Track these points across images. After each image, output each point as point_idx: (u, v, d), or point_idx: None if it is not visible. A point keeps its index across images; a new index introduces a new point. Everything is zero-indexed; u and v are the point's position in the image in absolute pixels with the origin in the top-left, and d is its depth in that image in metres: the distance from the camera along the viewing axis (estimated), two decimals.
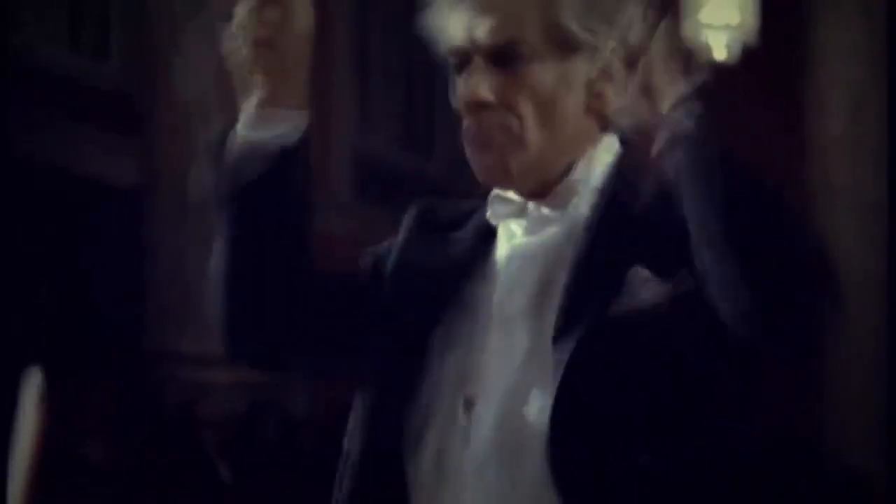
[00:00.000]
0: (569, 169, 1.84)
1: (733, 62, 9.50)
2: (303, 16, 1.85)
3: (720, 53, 9.39)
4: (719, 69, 9.80)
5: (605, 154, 1.86)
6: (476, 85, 1.81)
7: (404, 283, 1.86)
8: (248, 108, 1.86)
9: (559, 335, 1.73)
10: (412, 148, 10.95)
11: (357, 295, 1.89)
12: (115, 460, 7.68)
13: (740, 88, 10.42)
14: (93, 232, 8.29)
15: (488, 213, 1.86)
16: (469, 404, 1.77)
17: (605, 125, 1.85)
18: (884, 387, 10.33)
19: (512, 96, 1.81)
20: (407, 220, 1.94)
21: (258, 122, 1.85)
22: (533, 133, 1.81)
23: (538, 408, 1.72)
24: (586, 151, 1.85)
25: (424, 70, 10.26)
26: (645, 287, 1.73)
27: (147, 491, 7.41)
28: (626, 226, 1.76)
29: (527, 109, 1.81)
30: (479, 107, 1.82)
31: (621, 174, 1.83)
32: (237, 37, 1.85)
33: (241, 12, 1.85)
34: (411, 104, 11.02)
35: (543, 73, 1.81)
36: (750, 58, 9.62)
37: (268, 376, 5.75)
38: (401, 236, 1.93)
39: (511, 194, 1.85)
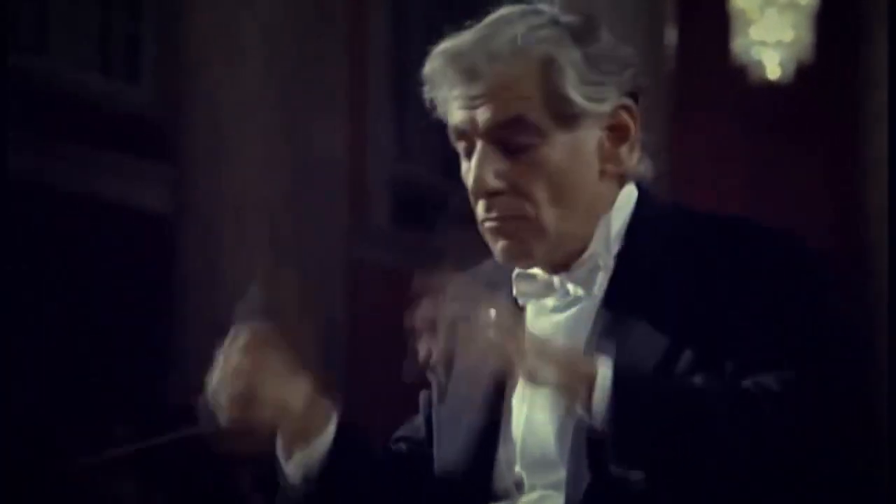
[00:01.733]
0: (590, 235, 1.80)
1: (787, 81, 9.30)
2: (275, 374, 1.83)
3: (773, 72, 9.20)
4: (772, 88, 9.61)
5: (622, 210, 1.82)
6: (484, 173, 1.78)
7: (453, 403, 1.89)
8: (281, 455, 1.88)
9: (573, 451, 1.73)
10: (451, 174, 10.79)
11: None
12: (147, 497, 7.57)
13: (794, 108, 10.23)
14: (121, 261, 8.16)
15: (514, 292, 1.82)
16: (519, 486, 1.79)
17: (622, 181, 1.82)
18: (884, 388, 10.08)
19: (523, 181, 1.77)
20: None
21: (296, 464, 1.88)
22: (549, 215, 1.78)
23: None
24: (606, 211, 1.81)
25: None
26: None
27: None
28: (638, 310, 1.73)
29: (540, 192, 1.78)
30: (489, 195, 1.77)
31: (639, 229, 1.80)
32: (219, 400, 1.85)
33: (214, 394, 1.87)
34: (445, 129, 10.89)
35: (551, 151, 1.77)
36: (804, 76, 9.42)
37: None
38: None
39: (535, 270, 1.82)
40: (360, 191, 9.45)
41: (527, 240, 1.78)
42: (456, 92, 1.79)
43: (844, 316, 1.73)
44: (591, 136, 1.78)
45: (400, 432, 1.98)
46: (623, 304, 1.75)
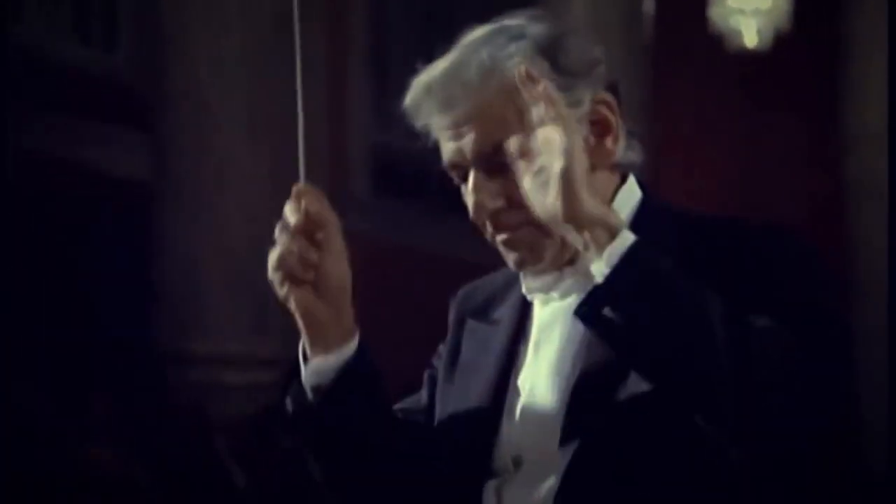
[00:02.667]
0: None
1: (765, 49, 9.31)
2: (337, 257, 1.84)
3: (751, 40, 9.20)
4: (750, 56, 9.62)
5: (625, 207, 1.85)
6: (482, 199, 1.81)
7: (462, 370, 1.91)
8: (304, 362, 1.87)
9: (569, 414, 1.77)
10: (430, 144, 10.77)
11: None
12: (125, 464, 7.57)
13: (772, 76, 10.24)
14: (101, 229, 8.15)
15: (524, 289, 1.86)
16: (517, 463, 1.81)
17: (621, 172, 1.85)
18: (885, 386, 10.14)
19: (519, 193, 1.79)
20: (451, 314, 1.98)
21: (320, 369, 1.87)
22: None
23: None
24: (607, 204, 1.83)
25: None
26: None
27: (158, 495, 7.30)
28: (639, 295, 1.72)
29: None
30: (492, 215, 1.81)
31: (643, 223, 1.81)
32: (274, 280, 1.84)
33: (273, 256, 1.84)
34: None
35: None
36: (782, 45, 9.42)
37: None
38: (449, 336, 1.97)
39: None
40: (339, 160, 9.44)
41: (537, 246, 1.82)
42: (439, 123, 1.84)
43: (841, 316, 1.76)
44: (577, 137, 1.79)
45: (400, 405, 1.99)
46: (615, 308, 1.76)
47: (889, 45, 8.72)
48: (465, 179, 1.85)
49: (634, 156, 1.85)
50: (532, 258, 1.82)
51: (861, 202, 10.23)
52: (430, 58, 1.85)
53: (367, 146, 10.19)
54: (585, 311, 1.68)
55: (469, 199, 1.82)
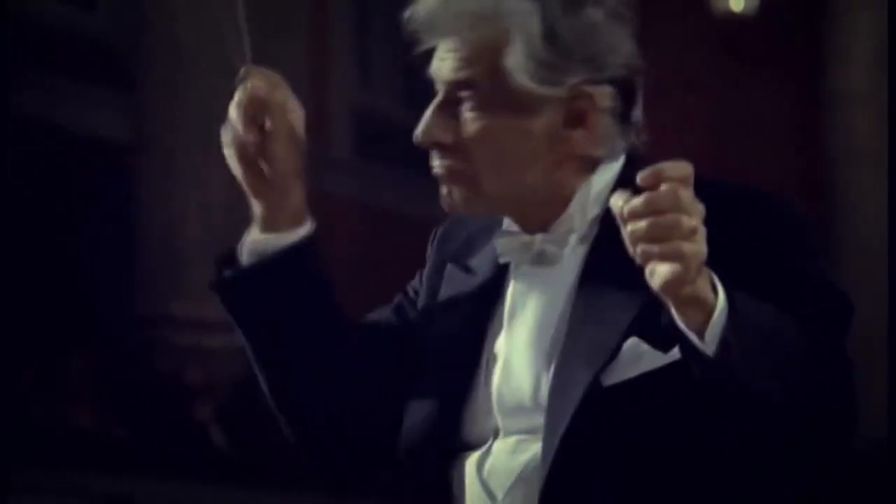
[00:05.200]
0: (569, 199, 1.81)
1: (750, 12, 9.28)
2: (289, 127, 1.85)
3: (737, 4, 9.18)
4: (736, 19, 9.59)
5: (605, 173, 1.82)
6: (432, 123, 1.81)
7: (437, 327, 1.89)
8: (249, 232, 1.88)
9: (553, 398, 1.75)
10: (413, 105, 10.76)
11: (396, 338, 1.93)
12: (104, 427, 7.56)
13: (757, 40, 10.22)
14: (81, 190, 8.11)
15: (497, 250, 1.84)
16: (496, 433, 1.81)
17: (594, 159, 1.82)
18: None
19: (467, 142, 1.79)
20: (431, 251, 1.95)
21: (259, 245, 1.86)
22: (490, 180, 1.80)
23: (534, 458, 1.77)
24: (583, 180, 1.81)
25: None
26: (642, 360, 1.72)
27: (138, 458, 7.30)
28: (617, 274, 1.71)
29: (481, 157, 1.80)
30: (434, 145, 1.81)
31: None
32: (226, 153, 1.85)
33: (225, 132, 1.85)
34: (412, 60, 10.85)
35: (497, 126, 1.78)
36: (767, 8, 9.40)
37: None
38: (428, 272, 1.94)
39: (515, 228, 1.84)
40: (322, 122, 9.40)
41: (465, 195, 1.81)
42: (429, 41, 1.82)
43: (832, 283, 1.75)
44: (541, 116, 1.78)
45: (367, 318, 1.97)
46: (602, 265, 1.77)
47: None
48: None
49: (621, 146, 1.81)
50: (454, 205, 1.82)
51: (843, 165, 10.23)
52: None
53: (350, 107, 10.15)
54: (698, 377, 1.63)
55: (422, 119, 1.81)
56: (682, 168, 1.56)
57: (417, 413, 1.84)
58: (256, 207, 1.85)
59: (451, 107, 1.80)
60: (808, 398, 1.64)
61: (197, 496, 7.19)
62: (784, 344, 1.63)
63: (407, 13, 1.81)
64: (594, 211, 1.80)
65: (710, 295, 1.58)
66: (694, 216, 1.54)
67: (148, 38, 8.05)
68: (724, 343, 1.58)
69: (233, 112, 1.85)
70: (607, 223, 1.73)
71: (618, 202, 1.55)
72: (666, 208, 1.53)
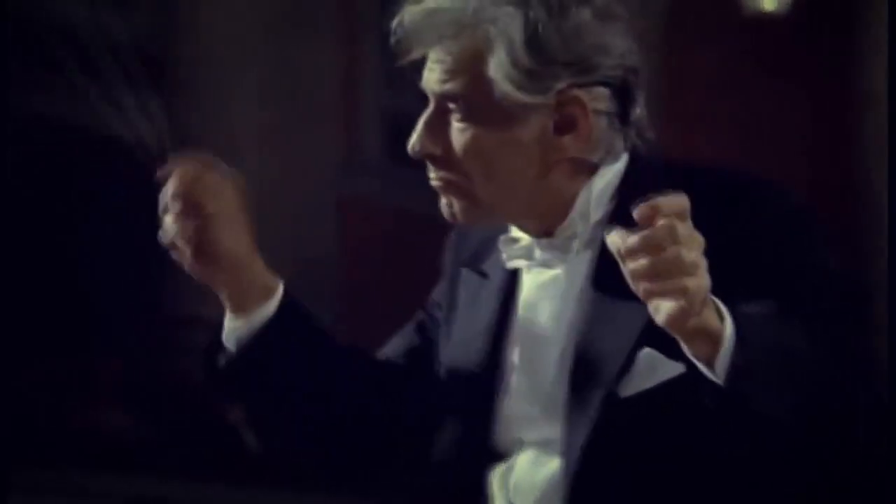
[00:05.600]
0: (571, 203, 1.79)
1: (783, 11, 9.24)
2: (227, 207, 1.80)
3: (769, 2, 9.14)
4: (767, 19, 9.54)
5: (606, 176, 1.78)
6: (423, 135, 1.78)
7: (457, 338, 1.88)
8: (226, 317, 1.84)
9: (570, 412, 1.73)
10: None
11: (418, 361, 1.92)
12: (134, 428, 7.59)
13: (790, 39, 10.18)
14: (112, 192, 8.15)
15: (504, 255, 1.82)
16: (520, 444, 1.79)
17: (591, 163, 1.78)
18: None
19: (457, 153, 1.76)
20: (447, 258, 1.94)
21: (234, 332, 1.84)
22: (484, 189, 1.77)
23: (553, 471, 1.76)
24: (582, 183, 1.78)
25: None
26: (657, 370, 1.70)
27: (168, 459, 7.32)
28: (625, 280, 1.65)
29: (474, 168, 1.77)
30: (426, 157, 1.79)
31: (621, 201, 1.76)
32: (171, 252, 1.81)
33: (163, 231, 1.82)
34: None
35: (484, 135, 1.75)
36: (800, 7, 9.36)
37: None
38: (445, 282, 1.93)
39: (520, 234, 1.81)
40: (351, 124, 9.41)
41: (461, 206, 1.79)
42: (417, 51, 1.80)
43: (838, 269, 1.73)
44: (529, 123, 1.75)
45: (385, 351, 1.95)
46: (610, 272, 1.70)
47: None
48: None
49: (620, 148, 1.78)
50: (451, 215, 1.80)
51: (875, 165, 10.19)
52: None
53: (380, 109, 10.16)
54: (713, 402, 1.62)
55: (414, 131, 1.80)
56: (677, 201, 1.52)
57: (447, 424, 1.83)
58: (220, 294, 1.82)
59: (440, 118, 1.78)
60: (819, 409, 1.62)
61: (228, 498, 7.21)
62: (794, 360, 1.61)
63: (394, 23, 1.79)
64: (597, 214, 1.78)
65: (717, 323, 1.56)
66: (694, 249, 1.51)
67: (182, 44, 8.09)
68: (734, 370, 1.56)
69: (164, 207, 1.81)
70: (614, 221, 1.70)
71: (615, 240, 1.52)
72: (664, 244, 1.49)
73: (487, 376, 1.81)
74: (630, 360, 1.70)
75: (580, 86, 1.74)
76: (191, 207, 1.79)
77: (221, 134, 7.96)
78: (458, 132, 1.76)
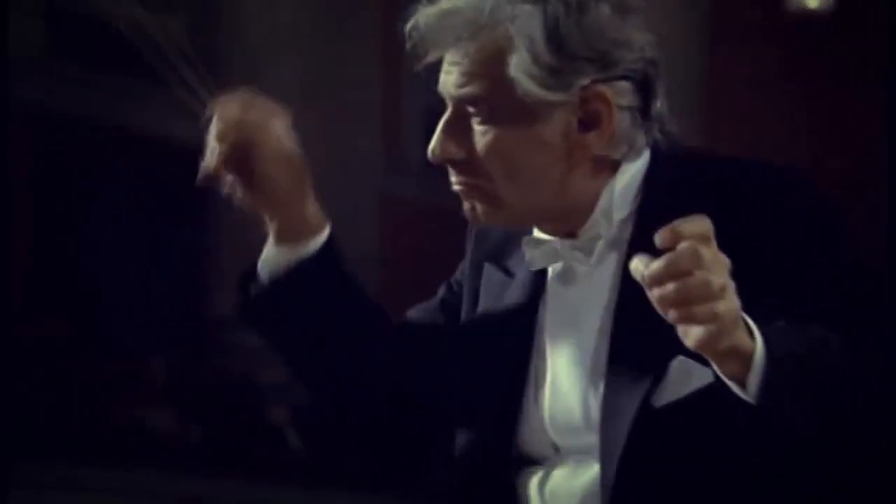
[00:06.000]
0: (592, 204, 1.75)
1: (828, 9, 9.19)
2: (274, 143, 1.78)
3: (814, 0, 9.09)
4: (812, 17, 9.49)
5: (628, 174, 1.76)
6: (443, 139, 1.76)
7: (484, 336, 1.84)
8: (265, 247, 1.83)
9: (605, 422, 1.71)
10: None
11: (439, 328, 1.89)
12: (180, 428, 7.62)
13: (834, 38, 10.13)
14: (157, 194, 8.18)
15: (527, 256, 1.79)
16: (556, 448, 1.77)
17: (614, 160, 1.75)
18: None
19: (479, 156, 1.74)
20: (468, 250, 1.91)
21: (272, 261, 1.82)
22: (507, 191, 1.74)
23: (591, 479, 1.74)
24: (605, 181, 1.75)
25: None
26: (691, 378, 1.67)
27: (214, 459, 7.34)
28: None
29: (496, 170, 1.74)
30: (448, 162, 1.76)
31: (645, 199, 1.74)
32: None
33: (208, 159, 1.79)
34: None
35: (506, 134, 1.72)
36: (845, 5, 9.30)
37: None
38: (467, 273, 1.90)
39: (543, 236, 1.78)
40: (393, 124, 9.42)
41: (485, 209, 1.76)
42: (433, 54, 1.78)
43: (865, 260, 1.69)
44: (552, 121, 1.72)
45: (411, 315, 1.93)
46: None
47: None
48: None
49: (642, 143, 1.74)
50: (476, 218, 1.77)
51: None
52: None
53: (422, 109, 10.17)
54: (743, 419, 1.60)
55: (434, 137, 1.77)
56: (699, 224, 1.48)
57: (472, 426, 1.81)
58: (268, 222, 1.81)
59: (460, 122, 1.75)
60: (849, 422, 1.61)
61: (272, 498, 7.22)
62: (825, 376, 1.59)
63: (408, 26, 1.77)
64: (621, 213, 1.75)
65: (748, 342, 1.53)
66: (720, 272, 1.48)
67: (223, 46, 8.11)
68: (764, 388, 1.54)
69: (211, 146, 1.79)
70: (639, 226, 1.71)
71: (638, 266, 1.49)
72: (689, 269, 1.46)
73: (514, 380, 1.79)
74: (664, 368, 1.67)
75: (603, 81, 1.71)
76: (239, 144, 1.77)
77: None
78: (480, 134, 1.73)
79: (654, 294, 1.48)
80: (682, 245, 1.47)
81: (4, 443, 5.80)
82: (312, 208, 1.81)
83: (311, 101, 8.16)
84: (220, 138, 1.77)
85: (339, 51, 8.47)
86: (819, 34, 10.00)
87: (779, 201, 1.69)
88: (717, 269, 1.48)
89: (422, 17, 1.76)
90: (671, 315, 1.48)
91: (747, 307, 1.56)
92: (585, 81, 1.70)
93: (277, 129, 1.79)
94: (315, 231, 1.81)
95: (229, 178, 1.78)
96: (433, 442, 1.89)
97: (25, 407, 6.86)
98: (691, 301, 1.47)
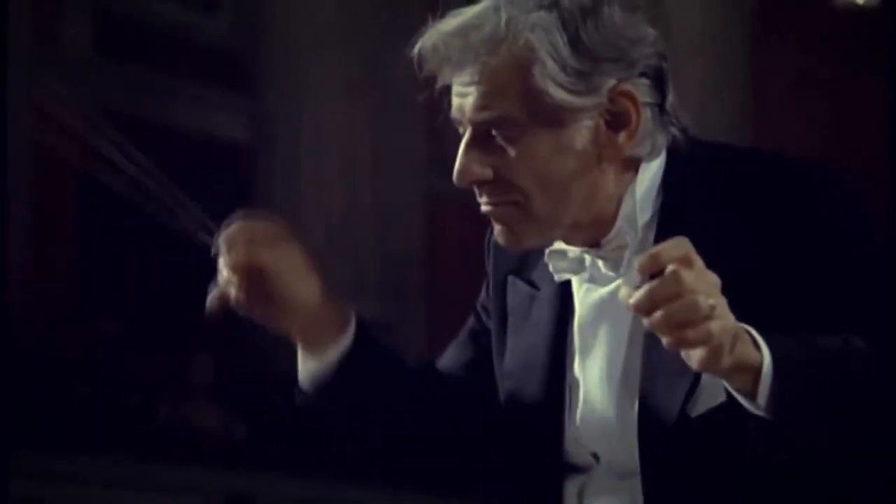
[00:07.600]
0: (615, 209, 1.74)
1: (874, 4, 9.14)
2: (286, 264, 1.78)
3: None
4: (859, 12, 9.44)
5: (646, 179, 1.74)
6: (468, 162, 1.73)
7: (518, 350, 1.83)
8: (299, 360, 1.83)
9: (643, 434, 1.70)
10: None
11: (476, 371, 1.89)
12: (226, 426, 7.65)
13: (881, 34, 10.06)
14: (201, 192, 8.22)
15: (550, 268, 1.77)
16: (596, 457, 1.76)
17: (636, 160, 1.74)
18: None
19: (508, 171, 1.71)
20: (488, 266, 1.89)
21: (308, 372, 1.83)
22: (540, 203, 1.72)
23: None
24: (627, 183, 1.74)
25: None
26: (722, 387, 1.62)
27: (259, 456, 7.37)
28: None
29: (527, 182, 1.71)
30: (476, 184, 1.73)
31: (667, 198, 1.73)
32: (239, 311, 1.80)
33: (224, 290, 1.80)
34: None
35: (536, 144, 1.70)
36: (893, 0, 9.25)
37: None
38: (490, 290, 1.89)
39: (566, 247, 1.76)
40: (439, 121, 9.42)
41: (519, 226, 1.73)
42: (446, 76, 1.75)
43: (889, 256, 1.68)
44: (581, 126, 1.70)
45: (441, 364, 1.93)
46: None
47: None
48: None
49: (662, 141, 1.73)
50: (513, 237, 1.75)
51: None
52: None
53: None
54: (757, 432, 1.59)
55: (457, 159, 1.75)
56: (678, 247, 1.49)
57: (515, 438, 1.81)
58: (293, 337, 1.81)
59: (482, 141, 1.72)
60: (867, 426, 1.59)
61: (317, 494, 7.24)
62: (841, 381, 1.57)
63: (415, 49, 1.74)
64: (644, 217, 1.73)
65: (754, 355, 1.53)
66: (708, 291, 1.48)
67: (268, 42, 8.13)
68: (776, 400, 1.53)
69: (225, 278, 1.80)
70: (663, 228, 1.69)
71: (624, 296, 1.49)
72: (673, 294, 1.46)
73: (552, 392, 1.78)
74: (697, 375, 1.66)
75: (626, 80, 1.70)
76: (251, 272, 1.77)
77: (307, 133, 8.00)
78: (508, 151, 1.70)
79: (646, 322, 1.49)
80: (668, 269, 1.47)
81: (44, 440, 5.82)
82: (333, 309, 1.80)
83: (354, 99, 8.17)
84: (234, 268, 1.78)
85: (383, 49, 8.48)
86: (867, 30, 9.94)
87: (805, 196, 1.67)
88: (705, 288, 1.48)
89: (435, 35, 1.73)
90: (665, 341, 1.49)
91: (773, 307, 1.56)
92: (612, 82, 1.69)
93: (285, 245, 1.78)
94: (342, 329, 1.81)
95: (243, 301, 1.78)
96: (474, 461, 1.90)
97: (74, 405, 6.90)
98: (682, 325, 1.47)
